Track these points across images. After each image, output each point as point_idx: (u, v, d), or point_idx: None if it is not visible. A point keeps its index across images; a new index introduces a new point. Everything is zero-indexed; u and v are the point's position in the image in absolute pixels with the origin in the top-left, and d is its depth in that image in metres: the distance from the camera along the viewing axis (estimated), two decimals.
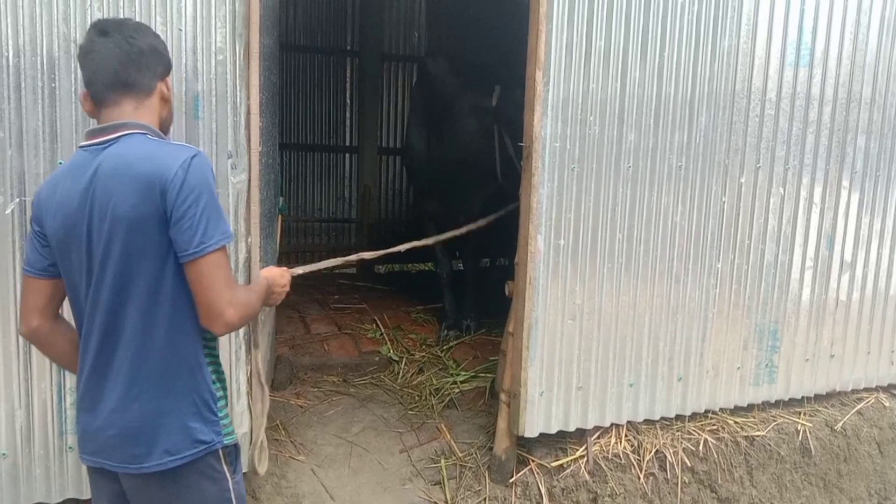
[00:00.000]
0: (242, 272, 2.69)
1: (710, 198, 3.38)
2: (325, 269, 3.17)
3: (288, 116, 6.47)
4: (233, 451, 1.87)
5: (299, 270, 2.71)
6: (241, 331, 2.73)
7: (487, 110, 4.24)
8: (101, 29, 1.75)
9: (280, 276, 2.13)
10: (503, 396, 3.25)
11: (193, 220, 1.62)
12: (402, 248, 3.56)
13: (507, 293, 3.29)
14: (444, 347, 4.45)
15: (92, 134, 1.74)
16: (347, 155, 6.91)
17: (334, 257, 3.30)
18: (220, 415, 1.81)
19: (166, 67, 1.84)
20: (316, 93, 6.69)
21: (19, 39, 2.29)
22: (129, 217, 1.62)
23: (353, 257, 3.42)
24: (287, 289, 2.17)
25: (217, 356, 1.87)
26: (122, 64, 1.73)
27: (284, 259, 5.02)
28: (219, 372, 1.87)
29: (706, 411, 3.62)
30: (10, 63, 2.29)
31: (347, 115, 6.85)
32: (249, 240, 2.68)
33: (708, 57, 3.25)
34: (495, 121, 4.22)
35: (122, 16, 2.33)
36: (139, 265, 1.65)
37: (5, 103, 2.30)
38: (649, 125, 3.17)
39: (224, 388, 1.88)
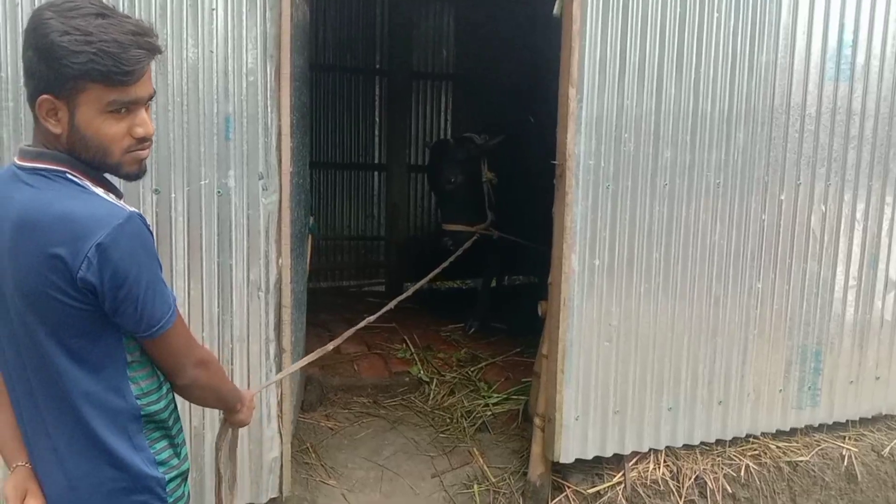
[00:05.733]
0: (273, 294, 2.66)
1: (750, 216, 3.29)
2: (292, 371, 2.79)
3: (317, 135, 6.49)
4: None
5: (265, 384, 2.61)
6: (272, 353, 2.71)
7: None
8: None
9: (249, 395, 1.84)
10: (537, 421, 3.17)
11: (135, 304, 1.36)
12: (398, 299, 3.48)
13: (539, 313, 3.22)
14: (475, 368, 4.40)
15: (23, 154, 1.42)
16: (376, 173, 6.91)
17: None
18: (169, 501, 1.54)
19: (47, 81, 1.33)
20: (345, 111, 6.70)
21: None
22: (30, 294, 1.34)
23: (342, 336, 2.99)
24: (252, 407, 1.84)
25: (171, 433, 1.57)
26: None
27: (314, 277, 4.99)
28: (175, 445, 1.58)
29: (747, 436, 3.50)
30: None
31: (376, 133, 6.85)
32: (280, 261, 2.66)
33: (745, 72, 3.17)
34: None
35: None
36: (41, 346, 1.37)
37: None
38: (686, 142, 3.10)
39: (179, 456, 1.59)
